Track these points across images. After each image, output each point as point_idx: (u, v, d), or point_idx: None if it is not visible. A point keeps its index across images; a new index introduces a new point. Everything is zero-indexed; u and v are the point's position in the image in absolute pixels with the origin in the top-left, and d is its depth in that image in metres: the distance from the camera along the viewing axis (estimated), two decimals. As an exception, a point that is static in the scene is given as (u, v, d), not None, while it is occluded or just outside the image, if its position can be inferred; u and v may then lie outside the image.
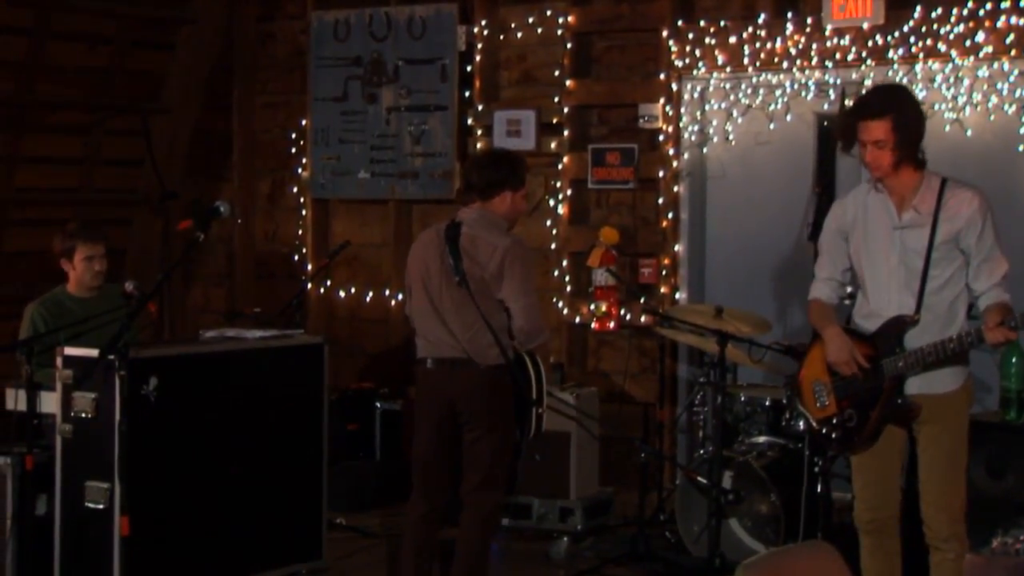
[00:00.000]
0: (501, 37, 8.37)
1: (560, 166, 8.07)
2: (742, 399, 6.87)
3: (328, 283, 8.98)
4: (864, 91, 5.28)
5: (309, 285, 8.61)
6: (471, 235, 5.60)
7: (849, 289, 5.31)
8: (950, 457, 4.96)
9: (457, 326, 5.59)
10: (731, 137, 7.73)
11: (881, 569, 5.11)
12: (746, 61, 7.45)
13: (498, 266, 5.56)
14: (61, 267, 6.60)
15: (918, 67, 7.01)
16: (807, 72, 7.33)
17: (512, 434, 5.69)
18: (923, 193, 4.91)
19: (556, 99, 8.07)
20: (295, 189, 9.11)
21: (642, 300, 7.48)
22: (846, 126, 4.97)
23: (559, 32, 8.11)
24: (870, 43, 7.07)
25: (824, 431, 5.13)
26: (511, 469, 5.84)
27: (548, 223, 8.16)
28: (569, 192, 8.04)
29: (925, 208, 4.89)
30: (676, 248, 7.77)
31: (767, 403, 6.80)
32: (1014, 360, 6.03)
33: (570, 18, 8.05)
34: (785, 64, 7.34)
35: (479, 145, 8.24)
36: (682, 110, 7.73)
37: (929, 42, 6.92)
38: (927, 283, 4.87)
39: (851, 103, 5.20)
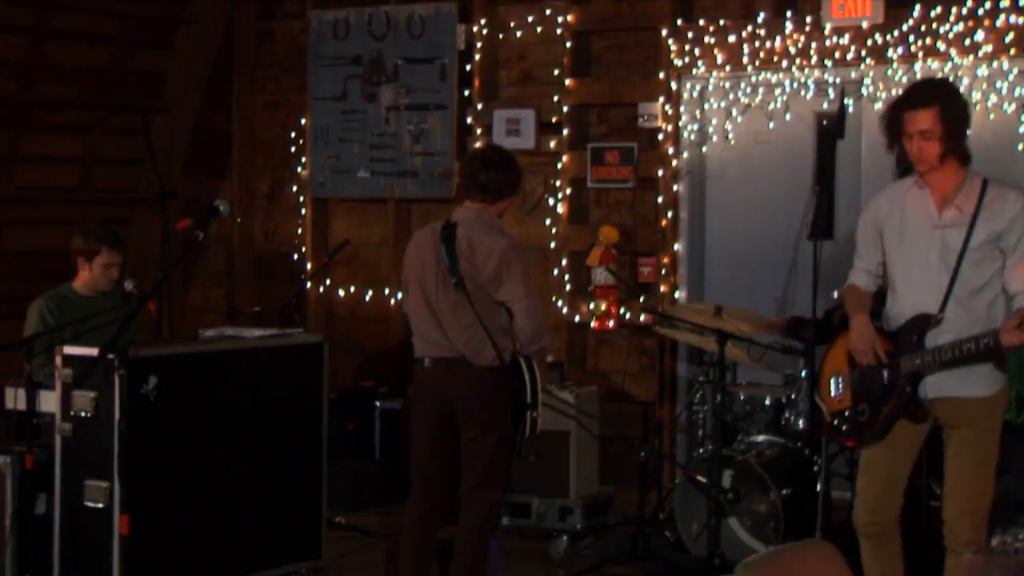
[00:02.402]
0: (500, 36, 8.37)
1: (559, 165, 8.07)
2: (742, 398, 6.88)
3: (328, 282, 8.98)
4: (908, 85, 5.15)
5: (309, 284, 8.61)
6: (468, 237, 5.57)
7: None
8: (981, 463, 4.89)
9: (453, 328, 5.57)
10: (731, 136, 7.73)
11: (883, 570, 5.07)
12: (745, 60, 7.44)
13: (496, 268, 5.53)
14: (70, 263, 6.56)
15: (917, 66, 7.00)
16: (806, 71, 7.33)
17: (510, 433, 5.69)
18: (965, 192, 4.80)
19: (555, 98, 8.06)
20: (295, 188, 9.11)
21: (641, 299, 7.48)
22: (891, 119, 4.85)
23: (558, 31, 8.10)
24: (869, 42, 7.07)
25: (835, 423, 5.09)
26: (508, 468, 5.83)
27: (547, 222, 8.16)
28: (568, 191, 8.04)
29: (967, 207, 4.78)
30: (675, 247, 7.76)
31: (767, 402, 6.81)
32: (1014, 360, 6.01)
33: (569, 17, 8.04)
34: (784, 63, 7.34)
35: (478, 144, 8.23)
36: (681, 109, 7.73)
37: (928, 41, 6.92)
38: (958, 283, 4.77)
39: (897, 95, 5.06)
